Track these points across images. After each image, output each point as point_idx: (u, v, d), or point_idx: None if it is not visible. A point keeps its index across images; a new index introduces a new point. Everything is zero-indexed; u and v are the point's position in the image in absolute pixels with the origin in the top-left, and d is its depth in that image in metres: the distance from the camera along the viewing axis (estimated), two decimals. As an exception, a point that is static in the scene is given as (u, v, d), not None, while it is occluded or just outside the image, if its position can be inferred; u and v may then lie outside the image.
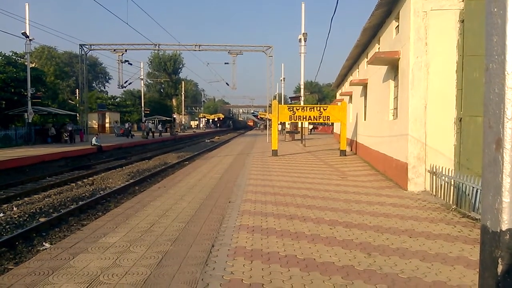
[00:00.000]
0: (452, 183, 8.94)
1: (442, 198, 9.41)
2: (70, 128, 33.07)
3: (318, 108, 21.68)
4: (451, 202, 8.84)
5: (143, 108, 60.14)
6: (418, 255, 5.64)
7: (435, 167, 9.88)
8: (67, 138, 32.08)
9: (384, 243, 6.17)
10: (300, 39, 30.26)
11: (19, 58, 38.23)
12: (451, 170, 9.28)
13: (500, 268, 1.31)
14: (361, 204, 9.05)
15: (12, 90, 33.40)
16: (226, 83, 45.62)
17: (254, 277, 4.79)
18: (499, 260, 1.32)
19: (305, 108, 21.90)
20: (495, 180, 1.32)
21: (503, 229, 1.31)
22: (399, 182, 11.47)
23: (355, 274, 4.92)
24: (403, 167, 10.98)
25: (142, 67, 58.43)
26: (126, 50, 35.97)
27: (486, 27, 1.36)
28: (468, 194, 8.19)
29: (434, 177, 9.99)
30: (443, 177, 9.37)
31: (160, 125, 52.94)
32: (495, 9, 1.31)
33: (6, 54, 36.95)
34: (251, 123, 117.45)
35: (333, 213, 8.17)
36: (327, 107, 22.44)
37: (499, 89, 1.31)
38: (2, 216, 9.85)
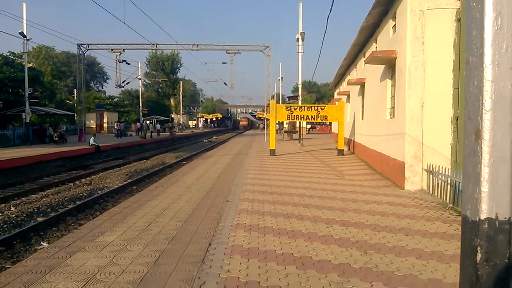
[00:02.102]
0: (449, 181, 8.98)
1: (438, 196, 9.44)
2: (62, 128, 32.00)
3: (316, 108, 21.72)
4: (447, 201, 8.88)
5: (141, 108, 60.04)
6: (414, 253, 5.67)
7: (432, 166, 9.92)
8: (57, 138, 30.75)
9: (381, 241, 6.20)
10: (298, 38, 30.30)
11: (16, 58, 38.18)
12: (448, 169, 9.31)
13: (479, 257, 1.35)
14: (358, 203, 9.08)
15: (10, 90, 33.35)
16: (224, 83, 45.70)
17: (250, 275, 4.81)
18: (478, 248, 1.35)
19: (303, 107, 21.93)
20: (475, 171, 1.35)
21: (482, 218, 1.34)
22: (396, 181, 11.50)
23: (351, 272, 4.94)
24: (400, 166, 11.02)
25: (140, 66, 58.36)
26: (123, 50, 35.94)
27: (466, 21, 1.40)
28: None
29: (431, 176, 10.03)
30: (440, 176, 9.41)
31: (158, 124, 52.83)
32: (474, 4, 1.35)
33: (3, 54, 36.94)
34: (245, 123, 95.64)
35: (330, 211, 8.20)
36: (325, 106, 22.48)
37: (478, 82, 1.34)
38: (0, 215, 9.85)
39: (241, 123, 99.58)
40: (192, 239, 6.32)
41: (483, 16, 1.32)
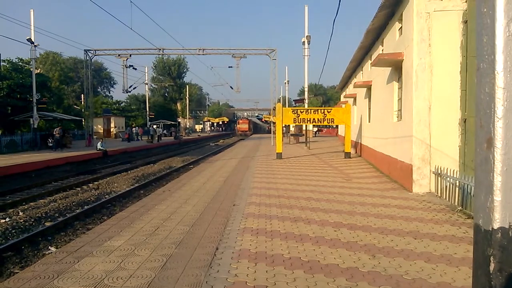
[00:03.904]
0: (457, 184, 8.90)
1: (447, 199, 9.36)
2: (57, 133, 28.89)
3: (322, 111, 21.67)
4: (456, 204, 8.80)
5: (148, 113, 60.40)
6: (423, 256, 5.61)
7: (440, 168, 9.84)
8: (51, 144, 28.41)
9: (389, 245, 6.15)
10: (304, 41, 30.26)
11: (24, 64, 38.58)
12: (456, 171, 9.23)
13: (492, 266, 1.32)
14: (366, 206, 9.03)
15: (18, 96, 33.73)
16: (230, 87, 45.94)
17: (258, 280, 4.79)
18: (491, 258, 1.32)
19: (309, 110, 21.90)
20: (487, 179, 1.33)
21: (495, 227, 1.31)
22: (404, 184, 11.43)
23: (360, 276, 4.91)
24: (408, 168, 10.95)
25: (146, 71, 58.81)
26: (130, 55, 36.10)
27: (476, 28, 1.37)
28: (473, 195, 8.14)
29: (439, 178, 9.95)
30: (448, 179, 9.33)
31: (160, 129, 53.03)
32: (485, 10, 1.32)
33: (12, 60, 37.32)
34: (244, 126, 73.26)
35: (337, 215, 8.16)
36: (331, 109, 22.42)
37: (490, 89, 1.32)
38: (8, 220, 9.91)
39: (238, 126, 76.18)
40: (199, 244, 6.31)
41: (494, 22, 1.29)
